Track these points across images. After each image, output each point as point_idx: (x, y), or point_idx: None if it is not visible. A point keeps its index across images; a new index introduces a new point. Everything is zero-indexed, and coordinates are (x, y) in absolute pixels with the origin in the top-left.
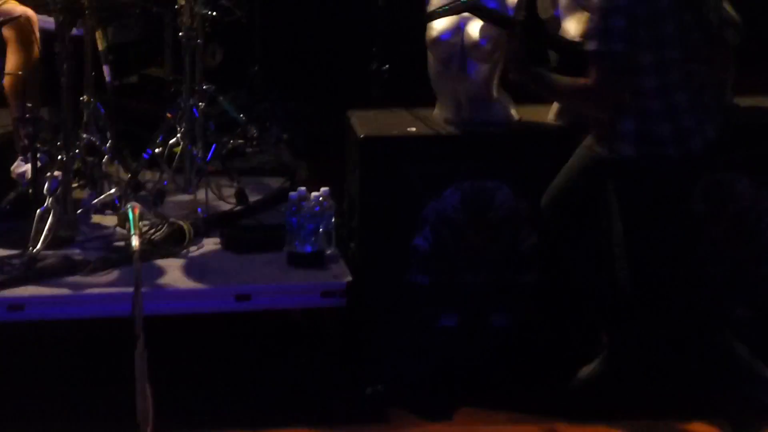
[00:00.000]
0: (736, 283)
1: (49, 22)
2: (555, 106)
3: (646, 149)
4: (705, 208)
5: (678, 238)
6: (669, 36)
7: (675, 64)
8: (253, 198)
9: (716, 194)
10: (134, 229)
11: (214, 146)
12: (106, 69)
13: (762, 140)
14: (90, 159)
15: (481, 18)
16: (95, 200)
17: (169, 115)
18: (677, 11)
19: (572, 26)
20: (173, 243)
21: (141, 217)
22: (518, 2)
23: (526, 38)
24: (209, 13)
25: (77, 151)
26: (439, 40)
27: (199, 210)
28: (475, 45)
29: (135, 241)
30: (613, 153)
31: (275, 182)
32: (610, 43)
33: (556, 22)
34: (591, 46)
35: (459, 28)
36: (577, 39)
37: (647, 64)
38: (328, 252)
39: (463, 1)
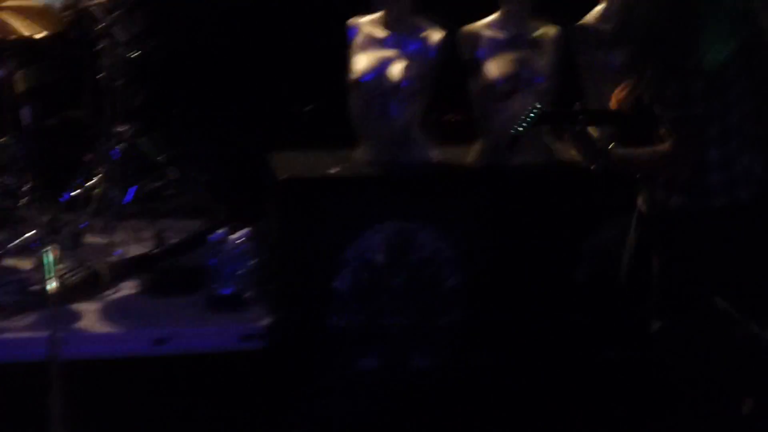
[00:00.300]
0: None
1: None
2: (476, 147)
3: (692, 199)
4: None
5: None
6: (731, 80)
7: (735, 109)
8: (171, 240)
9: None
10: (51, 272)
11: (133, 188)
12: (25, 110)
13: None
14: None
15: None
16: (11, 243)
17: (89, 155)
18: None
19: (493, 67)
20: (90, 286)
21: (58, 261)
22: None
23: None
24: (129, 54)
25: None
26: (361, 81)
27: (116, 252)
28: (397, 86)
29: (52, 285)
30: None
31: (195, 224)
32: (691, 107)
33: (477, 62)
34: (671, 111)
35: (381, 69)
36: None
37: (713, 114)
38: (248, 295)
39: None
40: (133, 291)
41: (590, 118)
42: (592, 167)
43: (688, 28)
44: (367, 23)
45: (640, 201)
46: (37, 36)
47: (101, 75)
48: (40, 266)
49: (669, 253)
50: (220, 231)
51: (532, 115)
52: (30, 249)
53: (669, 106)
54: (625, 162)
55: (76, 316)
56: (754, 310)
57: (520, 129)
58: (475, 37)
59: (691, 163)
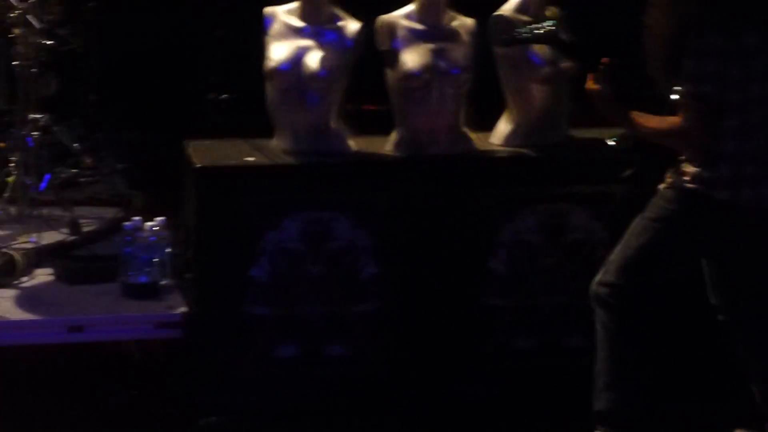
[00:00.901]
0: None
1: None
2: (393, 136)
3: (698, 187)
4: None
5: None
6: (757, 73)
7: (758, 103)
8: (87, 228)
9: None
10: None
11: (47, 176)
12: None
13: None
14: None
15: (560, 50)
16: None
17: (2, 144)
18: (763, 50)
19: (410, 58)
20: (6, 273)
21: None
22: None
23: (611, 77)
24: (44, 42)
25: None
26: (278, 70)
27: (31, 240)
28: (314, 76)
29: None
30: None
31: (110, 212)
32: (703, 85)
33: (394, 53)
34: (684, 87)
35: (297, 59)
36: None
37: (734, 104)
38: (164, 283)
39: (541, 32)
40: (48, 279)
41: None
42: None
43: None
44: (284, 13)
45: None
46: None
47: (16, 62)
48: None
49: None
50: (135, 219)
51: (544, 26)
52: None
53: (683, 81)
54: (633, 124)
55: None
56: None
57: (526, 35)
58: (392, 27)
59: (699, 146)
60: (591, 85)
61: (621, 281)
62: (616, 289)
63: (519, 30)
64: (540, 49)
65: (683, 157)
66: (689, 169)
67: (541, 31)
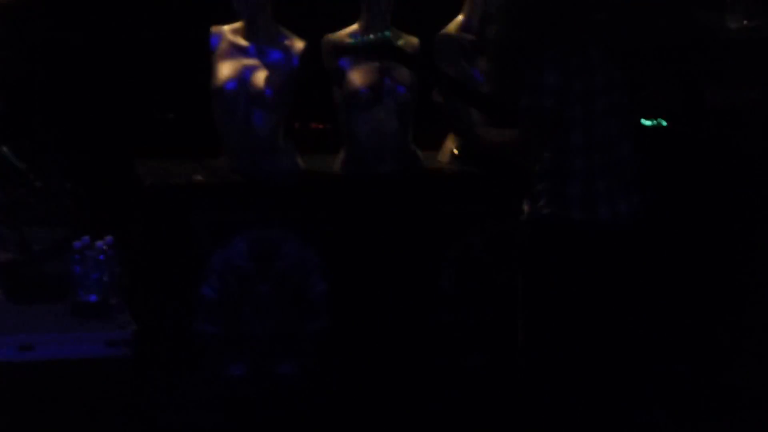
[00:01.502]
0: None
1: None
2: (340, 154)
3: (554, 209)
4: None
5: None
6: (600, 88)
7: (601, 120)
8: (35, 247)
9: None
10: None
11: None
12: None
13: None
14: None
15: (393, 60)
16: None
17: None
18: (606, 64)
19: (356, 77)
20: None
21: None
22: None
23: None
24: None
25: None
26: (224, 89)
27: None
28: (260, 94)
29: None
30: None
31: (59, 232)
32: (542, 99)
33: (341, 72)
34: (524, 101)
35: (244, 77)
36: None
37: (577, 119)
38: (113, 301)
39: (373, 41)
40: None
41: (443, 83)
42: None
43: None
44: (230, 31)
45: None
46: None
47: None
48: None
49: (533, 261)
50: (84, 238)
51: (376, 37)
52: None
53: (523, 94)
54: (487, 143)
55: None
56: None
57: (354, 42)
58: (338, 46)
59: (534, 160)
60: (435, 96)
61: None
62: None
63: (353, 40)
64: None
65: (534, 181)
66: (540, 191)
67: (372, 39)
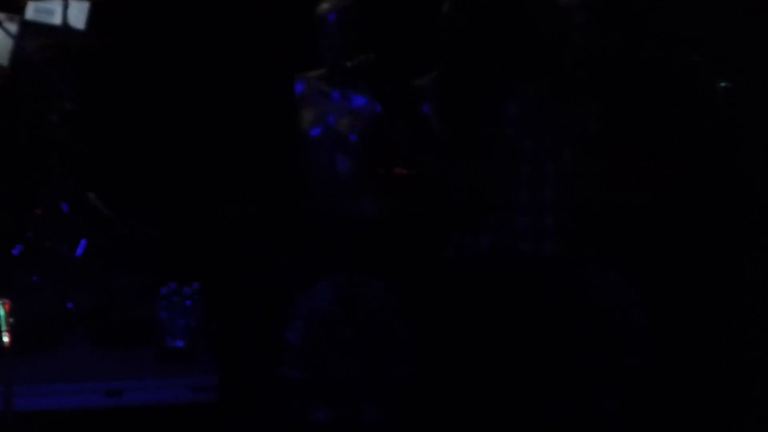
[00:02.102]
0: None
1: None
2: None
3: (503, 242)
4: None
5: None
6: (551, 122)
7: (549, 154)
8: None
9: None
10: (3, 326)
11: (83, 242)
12: None
13: None
14: None
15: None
16: None
17: (38, 210)
18: (558, 99)
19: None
20: (44, 339)
21: (10, 314)
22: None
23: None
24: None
25: None
26: (309, 135)
27: (68, 305)
28: (345, 140)
29: (5, 338)
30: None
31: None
32: (503, 128)
33: (424, 116)
34: (483, 130)
35: (328, 123)
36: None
37: (528, 151)
38: (199, 347)
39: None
40: (85, 343)
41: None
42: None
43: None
44: (314, 78)
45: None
46: None
47: (47, 129)
48: None
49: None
50: (170, 284)
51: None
52: None
53: (482, 124)
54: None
55: (30, 369)
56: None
57: (349, 64)
58: (422, 91)
59: (493, 187)
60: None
61: None
62: None
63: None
64: None
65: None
66: (487, 223)
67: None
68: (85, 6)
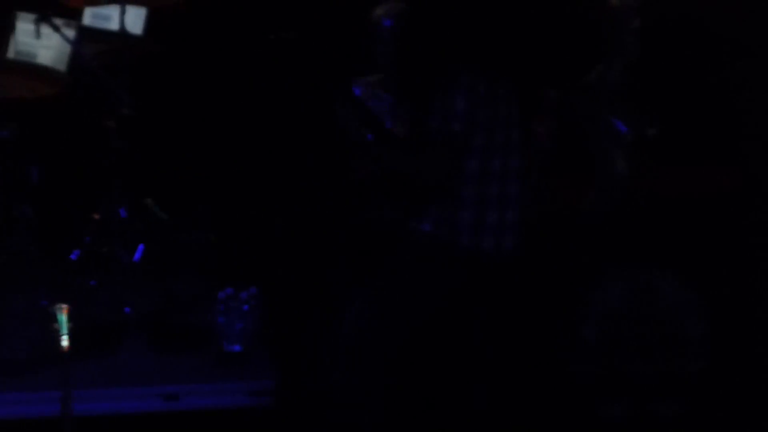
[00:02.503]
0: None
1: None
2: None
3: (443, 233)
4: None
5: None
6: (502, 119)
7: (500, 150)
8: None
9: None
10: (62, 330)
11: (141, 247)
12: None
13: None
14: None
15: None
16: (22, 302)
17: (96, 215)
18: (515, 96)
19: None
20: (101, 343)
21: (69, 318)
22: None
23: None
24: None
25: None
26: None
27: (126, 310)
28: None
29: (64, 342)
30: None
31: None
32: (451, 122)
33: None
34: (432, 124)
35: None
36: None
37: (477, 147)
38: (257, 351)
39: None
40: (142, 348)
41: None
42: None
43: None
44: (371, 83)
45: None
46: (42, 96)
47: (106, 134)
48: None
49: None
50: (228, 289)
51: None
52: (41, 307)
53: (432, 116)
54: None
55: (88, 374)
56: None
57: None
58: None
59: (438, 182)
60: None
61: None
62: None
63: None
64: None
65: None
66: (430, 212)
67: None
68: (143, 12)
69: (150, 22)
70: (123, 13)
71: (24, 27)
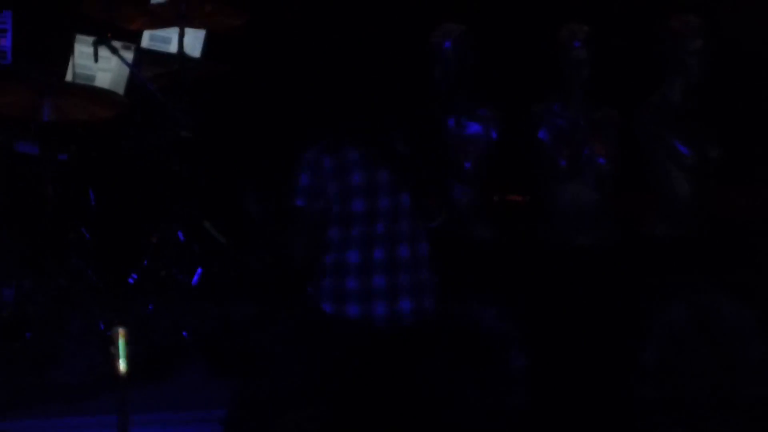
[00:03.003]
0: None
1: (34, 147)
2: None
3: (334, 306)
4: None
5: None
6: (358, 188)
7: (360, 218)
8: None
9: None
10: (120, 354)
11: (199, 270)
12: (89, 193)
13: None
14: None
15: None
16: (79, 325)
17: (154, 238)
18: (368, 164)
19: (557, 148)
20: (159, 366)
21: (127, 342)
22: None
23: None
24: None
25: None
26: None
27: (184, 334)
28: (459, 167)
29: (122, 366)
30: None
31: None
32: (295, 199)
33: (540, 143)
34: (284, 199)
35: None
36: None
37: (334, 217)
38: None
39: None
40: (200, 372)
41: None
42: None
43: None
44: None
45: None
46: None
47: (162, 157)
48: (108, 348)
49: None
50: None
51: None
52: (98, 330)
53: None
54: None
55: (145, 398)
56: None
57: None
58: (538, 118)
59: (294, 253)
60: None
61: None
62: None
63: None
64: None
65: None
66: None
67: None
68: (201, 34)
69: (209, 45)
70: (182, 36)
71: (82, 50)
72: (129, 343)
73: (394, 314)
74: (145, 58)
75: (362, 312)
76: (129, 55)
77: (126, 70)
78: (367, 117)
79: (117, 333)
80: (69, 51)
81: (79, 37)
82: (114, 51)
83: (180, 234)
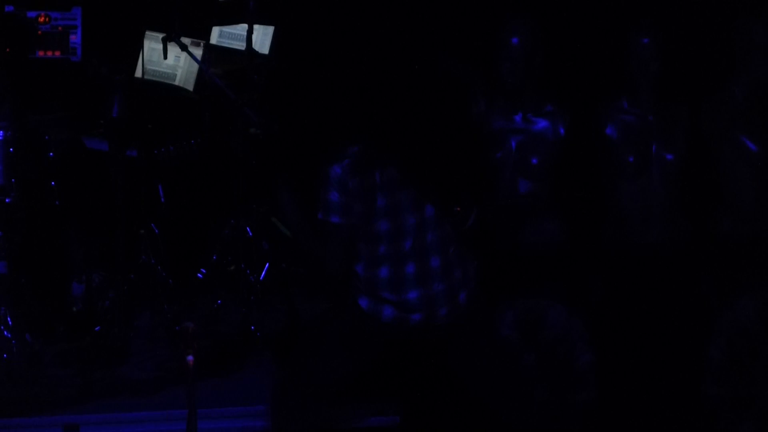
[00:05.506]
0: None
1: (103, 143)
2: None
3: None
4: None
5: None
6: (379, 210)
7: (386, 237)
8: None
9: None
10: (189, 348)
11: (267, 265)
12: (159, 190)
13: None
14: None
15: None
16: (149, 321)
17: (222, 234)
18: (391, 187)
19: (624, 145)
20: (227, 361)
21: (195, 337)
22: None
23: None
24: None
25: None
26: (490, 157)
27: (252, 328)
28: (527, 163)
29: (190, 360)
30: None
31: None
32: (331, 215)
33: (608, 140)
34: (318, 214)
35: (509, 146)
36: None
37: (361, 235)
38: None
39: None
40: (268, 366)
41: None
42: None
43: None
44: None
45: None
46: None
47: (233, 153)
48: (177, 343)
49: None
50: None
51: None
52: (167, 325)
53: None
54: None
55: (214, 392)
56: None
57: None
58: (605, 114)
59: (326, 266)
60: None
61: None
62: None
63: None
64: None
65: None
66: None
67: None
68: (270, 31)
69: (278, 41)
70: (250, 32)
71: (152, 47)
72: (197, 338)
73: (432, 319)
74: (215, 55)
75: (399, 319)
76: (198, 52)
77: (195, 67)
78: (392, 129)
79: (185, 328)
80: (138, 48)
81: (148, 33)
82: (183, 48)
83: (248, 229)
